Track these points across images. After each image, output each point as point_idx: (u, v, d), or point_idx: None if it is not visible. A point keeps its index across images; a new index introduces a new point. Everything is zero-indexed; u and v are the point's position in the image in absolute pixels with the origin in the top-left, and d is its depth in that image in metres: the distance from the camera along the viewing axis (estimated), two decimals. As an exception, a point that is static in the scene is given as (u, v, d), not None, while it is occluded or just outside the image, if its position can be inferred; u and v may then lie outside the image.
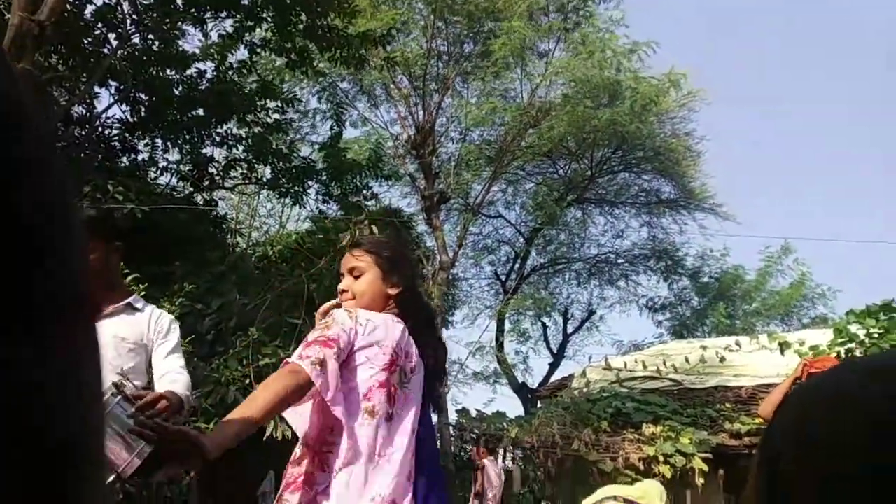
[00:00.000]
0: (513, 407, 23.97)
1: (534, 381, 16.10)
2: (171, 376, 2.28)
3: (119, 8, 7.31)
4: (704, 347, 9.62)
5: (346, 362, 1.68)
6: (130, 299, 2.42)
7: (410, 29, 13.65)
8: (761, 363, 8.85)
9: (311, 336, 1.68)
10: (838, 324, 7.41)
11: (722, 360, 9.17)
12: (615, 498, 3.98)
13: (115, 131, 8.03)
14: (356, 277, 1.85)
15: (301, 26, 7.83)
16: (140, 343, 2.36)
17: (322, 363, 1.59)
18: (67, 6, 6.23)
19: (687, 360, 9.27)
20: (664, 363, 9.41)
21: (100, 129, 7.94)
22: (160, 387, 2.21)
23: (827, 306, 17.00)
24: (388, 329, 1.75)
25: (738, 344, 9.67)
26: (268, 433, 4.92)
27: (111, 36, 7.50)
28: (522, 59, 13.60)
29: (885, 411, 0.38)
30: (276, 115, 8.92)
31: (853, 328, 6.92)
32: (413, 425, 1.74)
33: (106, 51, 7.35)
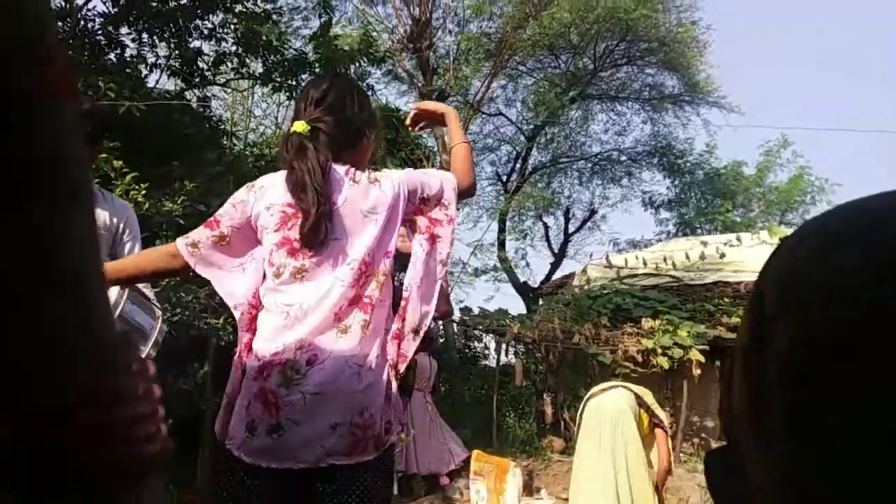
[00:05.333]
0: (515, 305, 24.49)
1: (535, 281, 16.31)
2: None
3: None
4: (705, 244, 9.61)
5: (248, 236, 1.71)
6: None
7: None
8: (761, 258, 8.87)
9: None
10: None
11: (722, 255, 9.18)
12: (624, 386, 4.10)
13: (97, 25, 7.61)
14: None
15: None
16: (103, 232, 2.30)
17: (196, 244, 1.69)
18: None
19: (687, 256, 9.28)
20: (664, 260, 9.45)
21: (82, 22, 7.51)
22: None
23: (827, 202, 16.93)
24: (278, 186, 1.68)
25: (738, 239, 9.67)
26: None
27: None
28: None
29: (876, 243, 0.34)
30: (265, 5, 8.45)
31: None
32: (342, 265, 1.61)
33: (79, -66, 6.84)
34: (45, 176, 0.35)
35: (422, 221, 1.78)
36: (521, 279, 15.96)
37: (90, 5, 7.53)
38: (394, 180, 1.72)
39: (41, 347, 0.35)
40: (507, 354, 9.37)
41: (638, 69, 15.64)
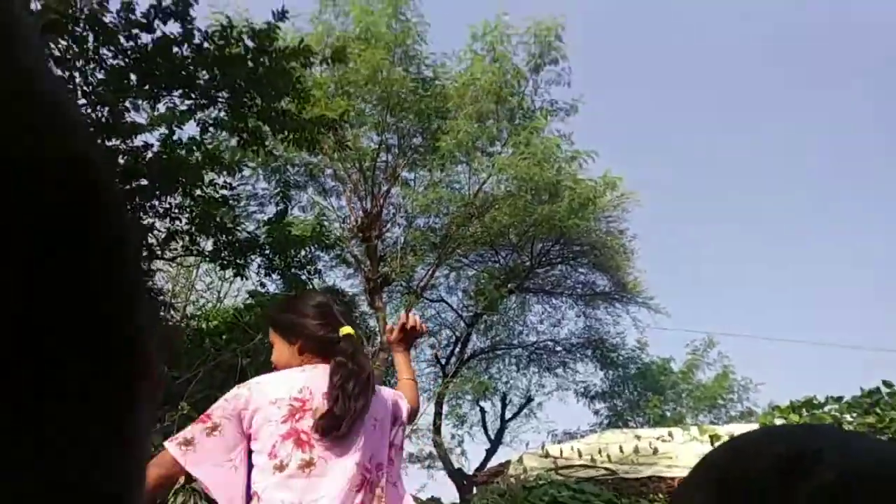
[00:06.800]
0: (448, 493, 23.21)
1: (469, 467, 15.78)
2: None
3: (72, 82, 7.40)
4: (638, 437, 9.77)
5: (240, 432, 1.70)
6: None
7: (364, 120, 14.20)
8: (693, 454, 9.05)
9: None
10: (763, 418, 7.74)
11: (655, 451, 9.32)
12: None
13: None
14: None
15: (255, 109, 8.07)
16: None
17: (189, 441, 1.65)
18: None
19: (621, 449, 9.38)
20: (599, 452, 9.49)
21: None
22: None
23: (750, 400, 17.78)
24: (285, 381, 1.76)
25: (670, 435, 9.88)
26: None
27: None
28: (468, 154, 14.29)
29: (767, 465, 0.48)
30: (224, 191, 8.98)
31: (778, 422, 7.25)
32: (353, 466, 1.68)
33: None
34: None
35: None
36: (456, 465, 15.45)
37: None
38: (389, 394, 1.94)
39: None
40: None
41: (571, 268, 16.72)
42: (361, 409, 1.72)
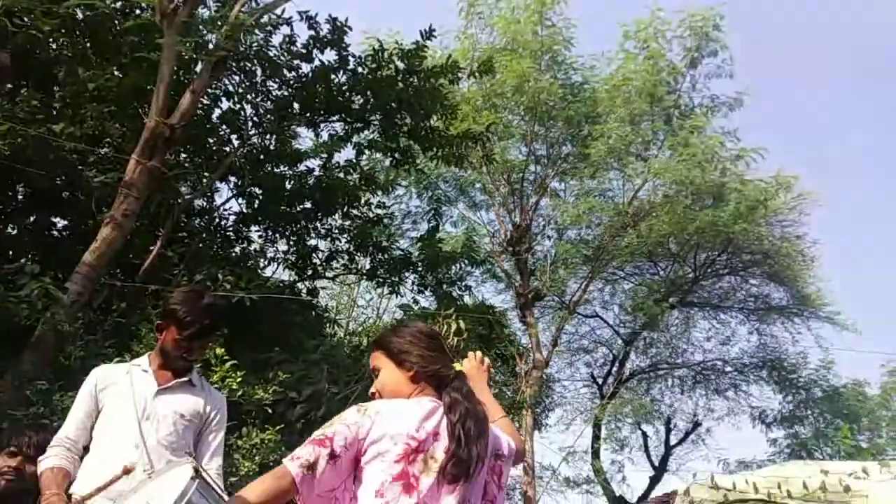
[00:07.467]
0: (607, 522, 22.30)
1: (632, 495, 14.99)
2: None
3: (242, 112, 8.01)
4: (825, 472, 8.62)
5: (355, 461, 1.61)
6: (192, 375, 2.46)
7: (512, 132, 14.09)
8: (893, 495, 7.84)
9: (315, 434, 1.63)
10: None
11: (847, 488, 8.16)
12: None
13: (230, 222, 8.61)
14: (377, 376, 1.85)
15: (405, 128, 8.27)
16: (195, 420, 2.39)
17: (312, 466, 1.56)
18: (197, 111, 6.90)
19: (805, 485, 8.31)
20: (779, 486, 8.50)
21: (217, 219, 8.54)
22: None
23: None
24: (404, 414, 1.65)
25: (865, 471, 8.62)
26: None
27: (233, 136, 8.20)
28: (620, 160, 13.62)
29: None
30: (378, 210, 9.31)
31: None
32: None
33: (228, 149, 8.02)
34: None
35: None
36: (617, 493, 14.71)
37: (227, 205, 8.60)
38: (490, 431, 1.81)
39: None
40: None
41: (741, 279, 15.41)
42: (483, 453, 1.63)
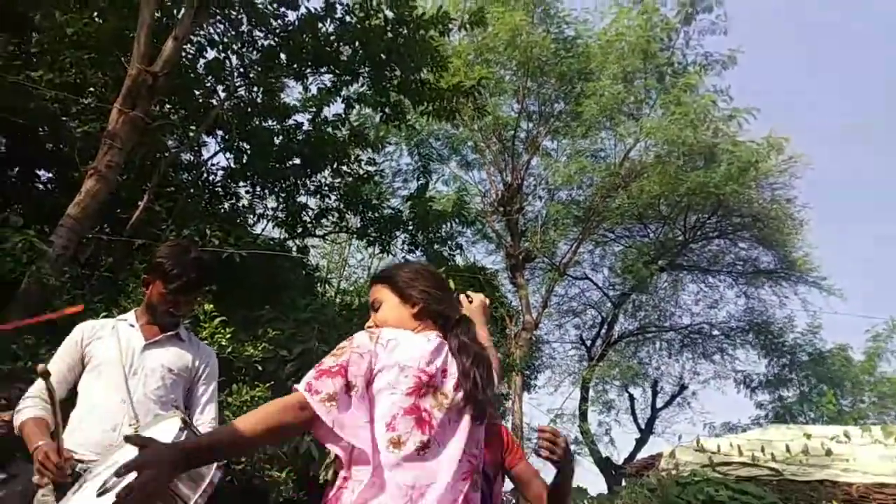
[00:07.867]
0: (595, 484, 22.79)
1: (618, 457, 15.27)
2: (205, 430, 2.25)
3: (227, 62, 7.75)
4: (808, 436, 8.80)
5: (367, 388, 1.52)
6: (180, 330, 2.42)
7: (504, 88, 13.82)
8: (874, 459, 7.99)
9: (324, 361, 1.52)
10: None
11: (828, 452, 8.35)
12: None
13: (218, 177, 8.42)
14: (377, 310, 1.77)
15: (395, 81, 8.04)
16: (183, 374, 2.36)
17: (332, 397, 1.45)
18: (181, 60, 6.64)
19: (788, 448, 8.49)
20: (762, 449, 8.66)
21: (205, 174, 8.34)
22: None
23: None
24: (415, 347, 1.59)
25: (846, 435, 8.82)
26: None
27: (219, 88, 7.95)
28: (612, 120, 13.43)
29: None
30: (368, 167, 9.14)
31: None
32: (459, 453, 1.52)
33: (214, 102, 7.78)
34: None
35: None
36: (604, 454, 14.98)
37: (215, 160, 8.40)
38: None
39: None
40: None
41: (730, 242, 15.42)
42: (492, 397, 1.62)
